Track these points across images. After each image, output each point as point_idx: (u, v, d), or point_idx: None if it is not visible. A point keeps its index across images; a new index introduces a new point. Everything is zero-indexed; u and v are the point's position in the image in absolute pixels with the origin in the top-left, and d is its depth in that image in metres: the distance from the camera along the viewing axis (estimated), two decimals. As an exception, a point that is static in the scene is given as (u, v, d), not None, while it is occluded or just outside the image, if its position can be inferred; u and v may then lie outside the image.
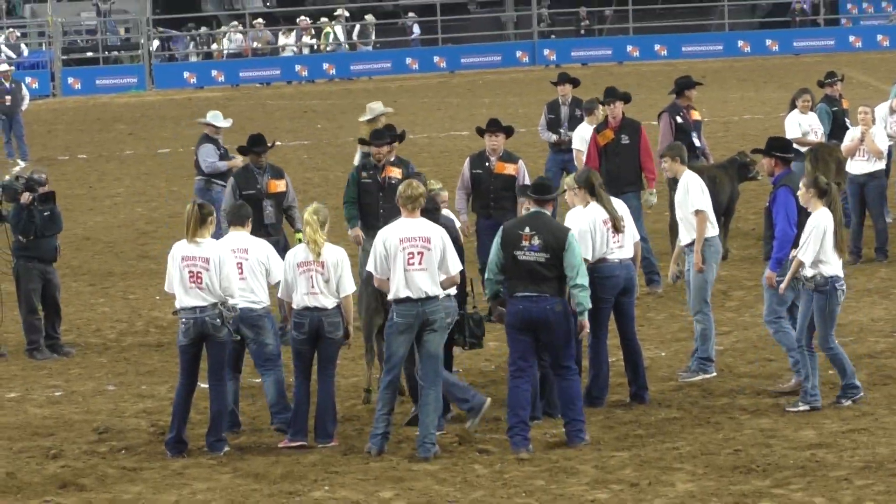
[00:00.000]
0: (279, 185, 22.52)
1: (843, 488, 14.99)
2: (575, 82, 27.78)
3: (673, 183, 20.58)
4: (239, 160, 24.80)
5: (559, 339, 16.85)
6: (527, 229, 16.87)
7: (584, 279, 16.87)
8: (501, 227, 17.40)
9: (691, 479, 15.59)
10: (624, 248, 18.35)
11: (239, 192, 22.01)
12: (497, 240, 17.26)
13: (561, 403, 17.16)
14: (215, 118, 26.86)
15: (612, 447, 16.75)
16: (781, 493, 14.96)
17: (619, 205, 18.66)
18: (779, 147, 19.12)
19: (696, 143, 25.51)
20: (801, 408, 17.60)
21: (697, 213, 19.26)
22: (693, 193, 19.32)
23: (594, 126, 24.98)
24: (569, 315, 16.92)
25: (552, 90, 29.31)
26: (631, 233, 18.60)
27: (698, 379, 19.18)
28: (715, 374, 19.29)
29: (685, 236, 19.45)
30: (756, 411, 17.79)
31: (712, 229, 19.41)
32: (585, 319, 17.01)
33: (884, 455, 15.88)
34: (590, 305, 17.02)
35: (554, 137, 27.07)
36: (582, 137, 25.62)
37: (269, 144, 22.83)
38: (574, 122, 26.96)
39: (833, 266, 17.53)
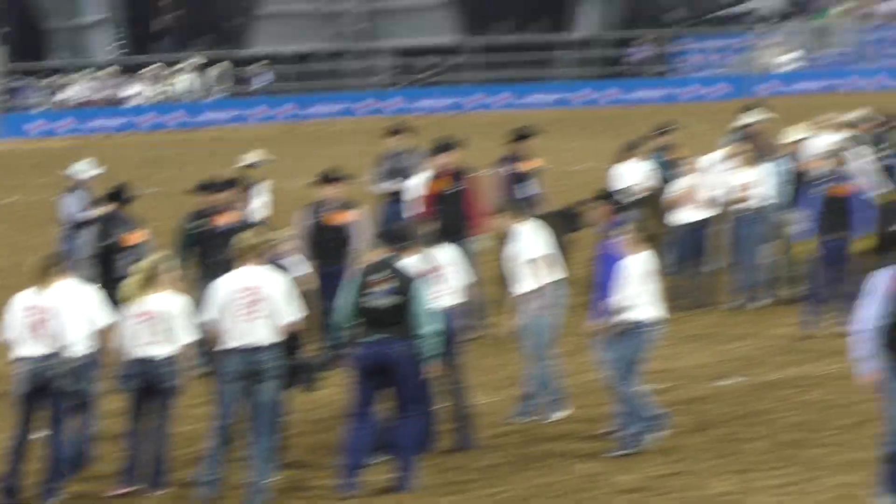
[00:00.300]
0: (136, 238, 22.42)
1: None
2: (409, 132, 27.90)
3: (506, 235, 20.72)
4: (98, 211, 24.34)
5: (405, 384, 16.84)
6: (376, 275, 16.86)
7: (430, 327, 16.88)
8: (351, 272, 17.58)
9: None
10: (443, 298, 18.21)
11: (98, 241, 22.05)
12: (346, 285, 17.34)
13: (396, 448, 17.08)
14: (79, 170, 26.57)
15: (439, 492, 16.74)
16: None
17: (447, 252, 18.81)
18: (610, 196, 19.52)
19: (531, 191, 25.81)
20: (622, 452, 17.69)
21: (531, 261, 19.34)
22: (526, 243, 19.42)
23: (429, 175, 25.14)
24: (416, 359, 16.87)
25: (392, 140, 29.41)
26: (455, 281, 18.66)
27: (556, 417, 19.40)
28: (564, 413, 19.45)
29: (519, 286, 19.58)
30: (582, 455, 17.77)
31: (548, 277, 19.54)
32: (434, 364, 17.03)
33: (697, 497, 16.15)
34: (436, 352, 17.00)
35: (388, 188, 27.21)
36: (418, 186, 25.79)
37: (131, 195, 22.79)
38: (408, 172, 27.10)
39: (642, 311, 17.70)
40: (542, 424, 19.38)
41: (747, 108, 28.92)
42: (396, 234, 17.70)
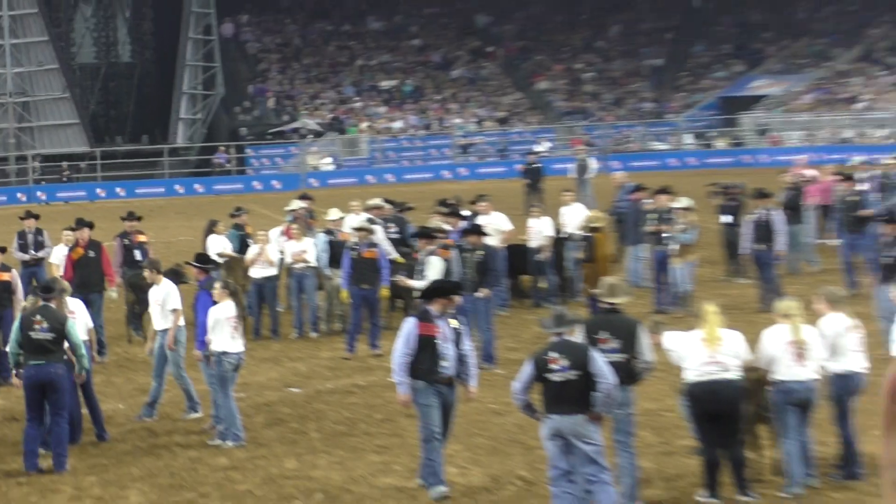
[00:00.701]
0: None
1: (246, 497, 15.17)
2: (37, 217, 27.47)
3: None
4: None
5: (61, 396, 16.53)
6: (38, 316, 16.59)
7: (81, 351, 16.78)
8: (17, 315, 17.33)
9: (141, 494, 15.43)
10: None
11: None
12: (16, 323, 16.98)
13: (52, 441, 16.69)
14: None
15: (84, 472, 16.41)
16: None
17: (77, 302, 18.58)
18: (202, 260, 19.43)
19: (139, 257, 25.63)
20: (220, 443, 17.55)
21: (174, 311, 19.16)
22: (173, 296, 19.19)
23: (69, 246, 24.78)
24: (66, 376, 16.63)
25: (49, 220, 28.95)
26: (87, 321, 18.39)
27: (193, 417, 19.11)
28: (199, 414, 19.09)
29: (158, 323, 19.33)
30: (187, 445, 17.56)
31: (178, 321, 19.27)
32: (80, 376, 17.02)
33: (275, 472, 16.07)
34: (87, 367, 17.05)
35: (26, 257, 26.72)
36: (58, 255, 25.43)
37: None
38: (38, 246, 26.73)
39: (223, 344, 17.51)
40: (161, 423, 18.96)
41: (299, 197, 29.03)
42: (46, 288, 17.31)
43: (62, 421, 16.70)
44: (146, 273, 20.05)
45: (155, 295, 19.50)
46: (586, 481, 13.06)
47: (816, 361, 14.14)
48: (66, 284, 18.58)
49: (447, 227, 24.26)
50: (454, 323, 14.71)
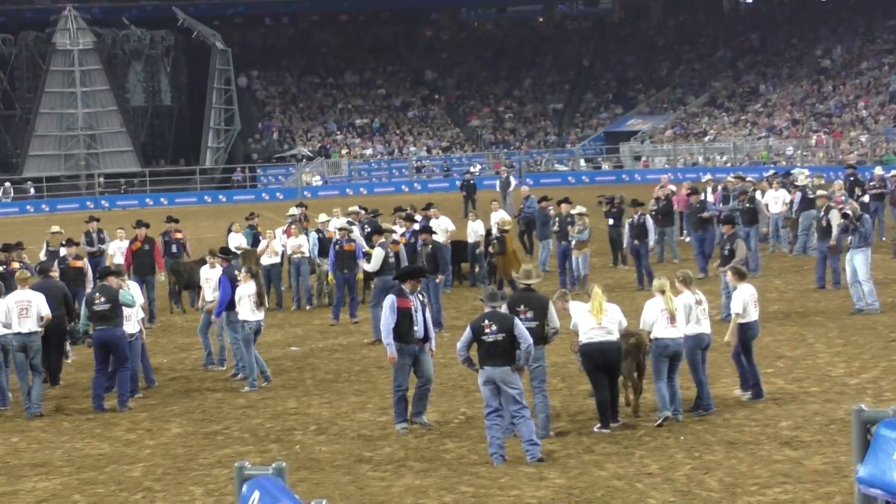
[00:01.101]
0: None
1: (258, 429, 15.10)
2: (98, 220, 27.24)
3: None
4: None
5: (122, 352, 16.22)
6: (97, 293, 16.40)
7: (131, 305, 16.54)
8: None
9: (180, 426, 15.21)
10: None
11: None
12: (84, 301, 16.80)
13: (118, 386, 16.40)
14: None
15: (138, 410, 16.15)
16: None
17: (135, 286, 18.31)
18: (224, 252, 19.20)
19: (175, 250, 25.55)
20: (246, 389, 17.51)
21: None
22: (216, 279, 18.56)
23: (129, 240, 24.62)
24: (126, 337, 16.41)
25: (109, 222, 28.69)
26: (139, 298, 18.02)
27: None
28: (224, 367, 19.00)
29: (208, 295, 18.99)
30: (214, 389, 17.24)
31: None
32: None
33: (280, 410, 15.83)
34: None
35: (92, 249, 26.09)
36: (113, 247, 25.21)
37: None
38: (100, 241, 26.33)
39: (246, 314, 17.28)
40: (194, 372, 18.77)
41: (296, 205, 28.82)
42: (103, 272, 17.28)
43: (125, 372, 16.45)
44: (209, 258, 19.67)
45: (208, 275, 19.24)
46: (512, 416, 13.01)
47: (682, 325, 14.21)
48: (119, 268, 18.29)
49: (399, 227, 24.24)
50: (421, 298, 14.58)
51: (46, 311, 16.57)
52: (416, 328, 14.22)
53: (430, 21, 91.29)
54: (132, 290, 17.46)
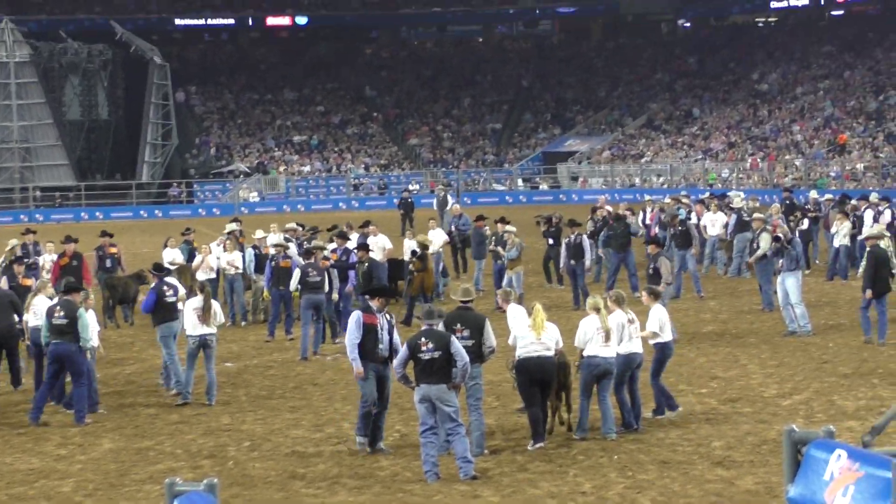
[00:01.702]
0: None
1: (191, 445, 14.97)
2: (34, 232, 27.02)
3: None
4: None
5: (77, 367, 15.97)
6: (58, 307, 16.22)
7: (85, 332, 16.17)
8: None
9: (112, 441, 15.04)
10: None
11: None
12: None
13: (74, 400, 16.18)
14: None
15: (69, 425, 15.90)
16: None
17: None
18: (157, 268, 18.96)
19: (110, 265, 25.34)
20: (181, 402, 17.30)
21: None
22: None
23: (58, 255, 24.35)
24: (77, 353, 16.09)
25: (44, 236, 28.34)
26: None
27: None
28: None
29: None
30: (148, 405, 17.09)
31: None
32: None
33: (214, 426, 15.71)
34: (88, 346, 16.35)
35: (28, 261, 26.01)
36: (47, 260, 24.94)
37: None
38: (36, 254, 26.12)
39: (189, 328, 17.23)
40: (127, 387, 18.51)
41: (232, 221, 28.68)
42: (67, 286, 16.84)
43: (81, 387, 16.17)
44: (148, 275, 19.55)
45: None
46: (447, 434, 12.99)
47: (615, 344, 14.31)
48: (83, 286, 18.11)
49: (331, 245, 23.95)
50: (388, 317, 14.24)
51: None
52: (381, 346, 13.88)
53: (371, 39, 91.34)
54: (89, 320, 17.02)
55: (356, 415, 15.78)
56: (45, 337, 16.46)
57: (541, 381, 13.91)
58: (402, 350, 13.15)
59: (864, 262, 20.60)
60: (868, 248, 20.41)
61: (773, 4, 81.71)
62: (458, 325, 13.71)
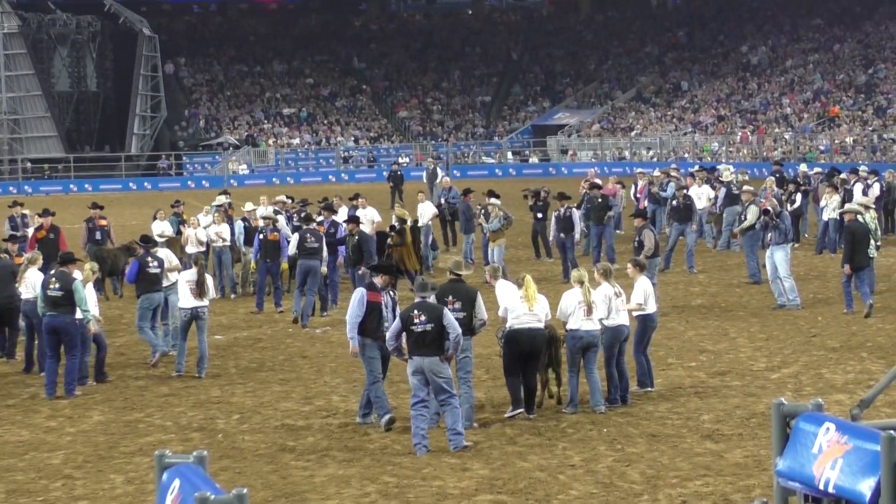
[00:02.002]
0: None
1: (181, 417, 14.99)
2: (22, 204, 26.84)
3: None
4: None
5: (70, 339, 15.95)
6: (53, 278, 16.14)
7: (84, 305, 16.09)
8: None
9: (101, 413, 15.01)
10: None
11: None
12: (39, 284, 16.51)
13: (65, 372, 16.08)
14: None
15: (57, 397, 15.94)
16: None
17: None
18: (144, 240, 19.01)
19: (99, 237, 25.27)
20: (176, 373, 17.29)
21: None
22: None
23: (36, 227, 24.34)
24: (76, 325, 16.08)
25: (33, 207, 28.21)
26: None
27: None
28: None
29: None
30: (137, 377, 17.03)
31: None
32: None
33: (203, 399, 15.71)
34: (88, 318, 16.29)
35: (17, 233, 25.80)
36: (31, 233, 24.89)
37: None
38: (24, 226, 26.03)
39: (182, 301, 17.21)
40: (117, 358, 18.45)
41: (221, 193, 28.63)
42: (63, 258, 16.86)
43: (73, 359, 16.15)
44: (136, 246, 19.69)
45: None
46: (439, 404, 13.00)
47: (598, 317, 14.31)
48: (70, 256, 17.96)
49: (318, 217, 23.81)
50: (392, 294, 14.15)
51: None
52: (385, 324, 13.67)
53: (360, 11, 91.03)
54: (88, 294, 16.97)
55: (346, 388, 15.83)
56: (41, 308, 16.39)
57: (529, 352, 13.95)
58: (395, 322, 13.14)
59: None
60: (846, 223, 20.44)
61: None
62: (450, 298, 13.71)
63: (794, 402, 5.99)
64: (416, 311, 12.91)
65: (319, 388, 16.12)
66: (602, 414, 14.10)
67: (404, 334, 13.05)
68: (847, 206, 23.32)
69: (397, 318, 13.17)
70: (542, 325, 13.97)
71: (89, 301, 16.54)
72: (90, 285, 17.10)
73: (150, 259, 18.04)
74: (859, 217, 20.39)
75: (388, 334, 13.21)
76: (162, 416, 14.88)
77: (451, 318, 12.96)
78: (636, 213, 22.36)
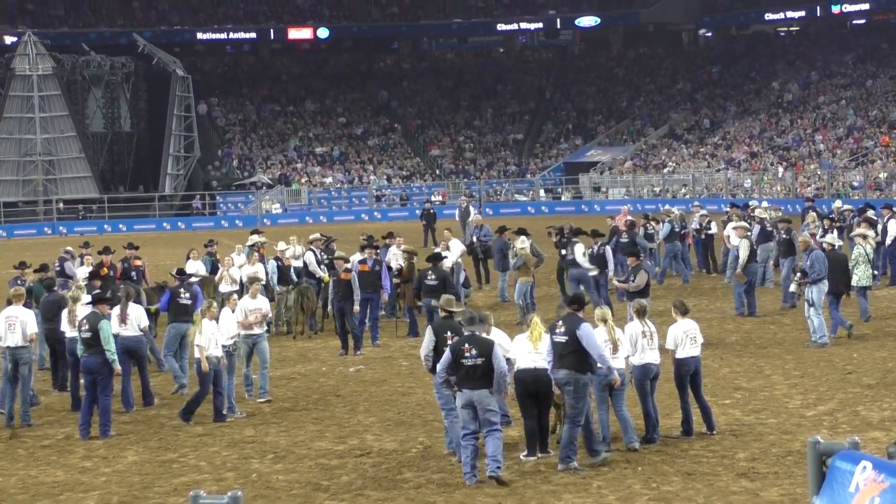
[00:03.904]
0: None
1: (215, 457, 15.02)
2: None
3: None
4: None
5: (102, 379, 15.97)
6: (84, 319, 16.39)
7: (107, 344, 16.19)
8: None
9: (136, 454, 15.08)
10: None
11: None
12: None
13: (99, 413, 16.17)
14: None
15: (93, 437, 16.02)
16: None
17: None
18: (180, 272, 19.30)
19: (134, 276, 25.33)
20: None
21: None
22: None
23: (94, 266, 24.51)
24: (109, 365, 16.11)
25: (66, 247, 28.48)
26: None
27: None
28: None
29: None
30: (172, 417, 17.15)
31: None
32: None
33: (237, 438, 15.74)
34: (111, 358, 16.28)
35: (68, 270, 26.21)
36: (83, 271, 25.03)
37: None
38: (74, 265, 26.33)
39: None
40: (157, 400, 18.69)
41: (254, 232, 28.77)
42: (95, 298, 17.22)
43: (106, 399, 16.20)
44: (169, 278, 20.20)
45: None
46: (484, 434, 13.02)
47: (624, 355, 14.26)
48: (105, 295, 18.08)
49: (355, 256, 23.86)
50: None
51: (32, 329, 17.10)
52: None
53: (392, 50, 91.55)
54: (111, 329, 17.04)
55: (379, 427, 15.82)
56: (79, 349, 16.57)
57: (536, 393, 13.84)
58: (445, 355, 13.21)
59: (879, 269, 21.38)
60: (826, 252, 21.62)
61: (794, 14, 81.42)
62: (449, 334, 13.78)
63: (831, 441, 5.97)
64: (466, 345, 13.04)
65: (353, 427, 16.12)
66: (636, 451, 14.04)
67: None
68: (828, 238, 23.84)
69: (447, 351, 13.23)
70: (546, 366, 13.82)
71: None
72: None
73: (182, 290, 18.35)
74: (860, 246, 22.20)
75: (438, 366, 13.29)
76: (196, 456, 14.93)
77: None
78: (629, 252, 22.69)
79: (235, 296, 19.35)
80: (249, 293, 18.79)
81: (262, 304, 18.45)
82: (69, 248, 27.04)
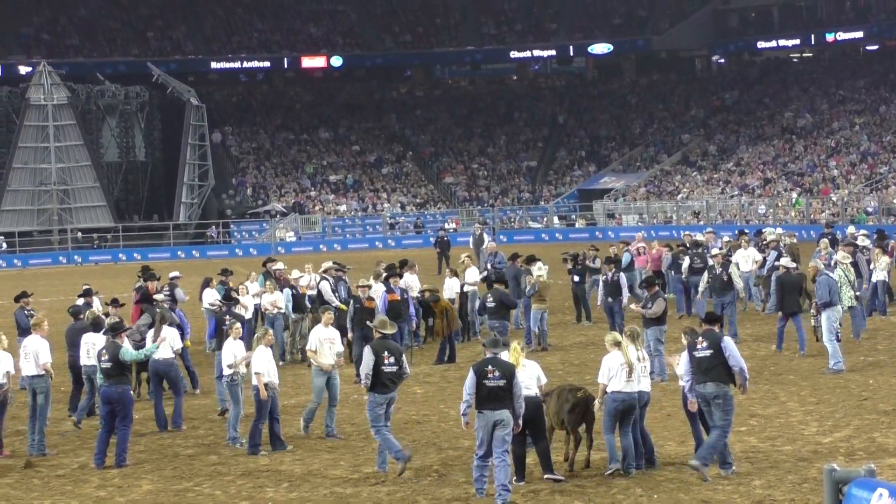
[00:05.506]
0: None
1: (230, 486, 14.99)
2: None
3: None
4: None
5: (123, 409, 15.99)
6: (103, 350, 16.38)
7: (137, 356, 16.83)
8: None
9: (151, 483, 15.09)
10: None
11: None
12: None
13: (117, 442, 16.09)
14: None
15: (107, 466, 15.98)
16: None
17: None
18: (226, 297, 19.55)
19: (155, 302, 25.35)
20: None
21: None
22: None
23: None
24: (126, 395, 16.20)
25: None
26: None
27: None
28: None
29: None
30: (186, 447, 17.13)
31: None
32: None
33: (252, 467, 15.76)
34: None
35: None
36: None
37: None
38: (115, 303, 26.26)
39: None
40: (166, 430, 18.71)
41: (267, 261, 28.77)
42: (112, 327, 17.32)
43: (124, 429, 16.19)
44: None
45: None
46: (494, 458, 13.07)
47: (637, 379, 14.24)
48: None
49: (378, 286, 23.96)
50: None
51: (45, 359, 17.09)
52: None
53: (405, 78, 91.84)
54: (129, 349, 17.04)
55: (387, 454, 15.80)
56: (99, 379, 16.59)
57: (525, 418, 13.63)
58: (470, 375, 13.36)
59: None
60: (779, 275, 23.25)
61: (788, 42, 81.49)
62: (386, 353, 14.65)
63: (847, 468, 5.96)
64: (490, 367, 13.21)
65: (368, 455, 16.08)
66: (644, 474, 13.99)
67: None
68: (783, 261, 24.46)
69: (471, 372, 13.36)
70: (530, 392, 13.78)
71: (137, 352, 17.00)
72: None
73: (227, 317, 19.17)
74: (791, 271, 23.44)
75: (466, 386, 13.38)
76: (211, 486, 14.91)
77: (518, 378, 13.26)
78: (645, 281, 22.04)
79: (239, 325, 19.11)
80: (322, 321, 18.22)
81: (334, 334, 17.91)
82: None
